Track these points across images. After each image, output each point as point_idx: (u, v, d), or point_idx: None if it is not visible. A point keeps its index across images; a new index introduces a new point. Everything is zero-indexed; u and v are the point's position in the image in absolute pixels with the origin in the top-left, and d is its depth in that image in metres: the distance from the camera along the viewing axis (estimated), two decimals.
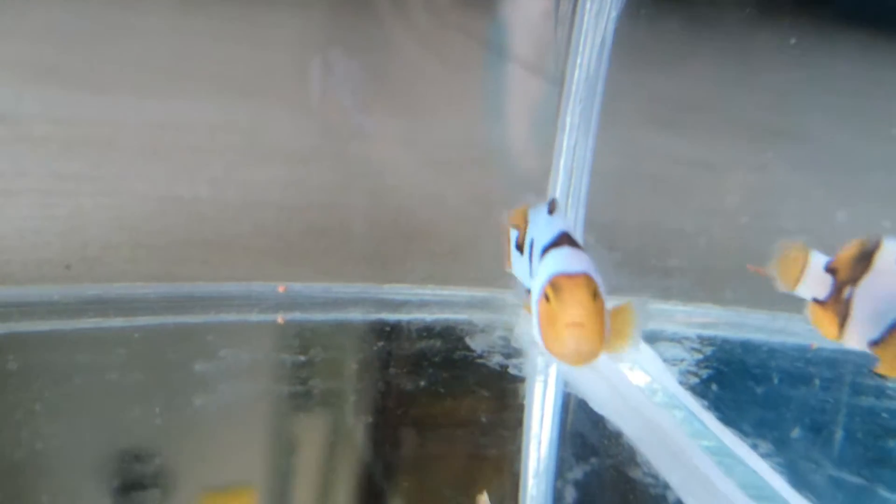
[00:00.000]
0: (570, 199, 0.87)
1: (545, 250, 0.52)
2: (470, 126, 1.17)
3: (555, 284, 0.47)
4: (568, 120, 0.85)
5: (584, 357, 0.48)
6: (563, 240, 0.52)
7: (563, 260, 0.49)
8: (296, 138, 1.19)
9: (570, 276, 0.47)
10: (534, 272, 0.53)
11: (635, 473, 0.62)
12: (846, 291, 0.54)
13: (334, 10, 1.15)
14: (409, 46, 1.10)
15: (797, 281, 0.60)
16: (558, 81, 0.90)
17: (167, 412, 0.65)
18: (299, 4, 1.13)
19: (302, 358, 0.75)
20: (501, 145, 1.12)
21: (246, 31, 1.18)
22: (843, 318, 0.55)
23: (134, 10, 1.14)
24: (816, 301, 0.58)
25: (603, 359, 0.73)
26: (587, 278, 0.47)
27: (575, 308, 0.46)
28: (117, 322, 0.78)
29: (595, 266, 0.50)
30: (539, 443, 0.69)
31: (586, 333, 0.46)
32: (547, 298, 0.47)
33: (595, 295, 0.47)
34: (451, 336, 0.81)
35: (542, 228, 0.56)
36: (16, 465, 0.58)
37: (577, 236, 0.69)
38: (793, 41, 0.85)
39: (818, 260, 0.58)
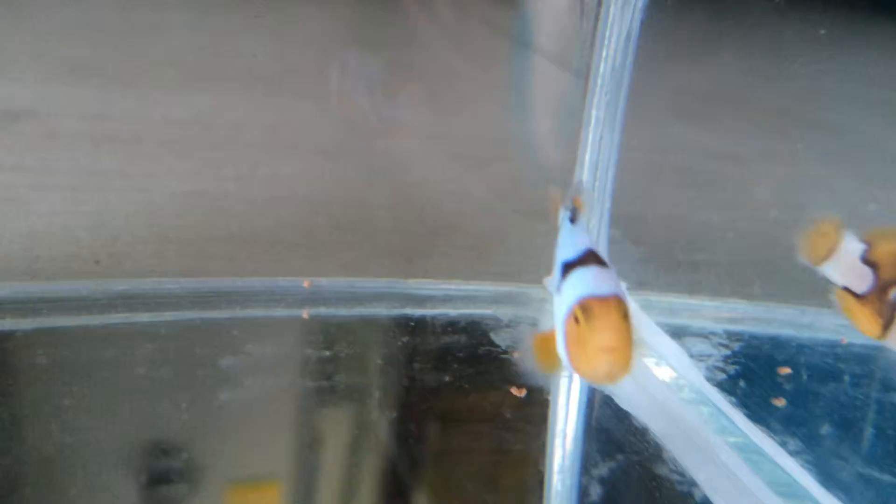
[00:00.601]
0: (595, 193, 0.86)
1: (568, 266, 0.52)
2: (495, 120, 1.17)
3: (585, 308, 0.47)
4: (594, 113, 0.85)
5: (614, 379, 0.48)
6: (590, 258, 0.51)
7: (592, 281, 0.49)
8: (321, 134, 1.20)
9: (601, 299, 0.47)
10: (555, 284, 0.53)
11: (661, 470, 0.61)
12: (892, 293, 0.53)
13: (359, 4, 1.16)
14: (433, 40, 1.09)
15: (824, 258, 0.58)
16: (584, 74, 0.90)
17: (194, 407, 0.65)
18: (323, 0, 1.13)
19: (327, 353, 0.75)
20: (526, 139, 1.12)
21: (270, 27, 1.19)
22: (888, 321, 0.54)
23: (159, 6, 1.14)
24: (850, 291, 0.57)
25: None
26: (618, 301, 0.47)
27: (608, 333, 0.46)
28: (145, 317, 0.79)
29: (619, 283, 0.50)
30: (564, 438, 0.69)
31: (618, 358, 0.46)
32: (576, 320, 0.47)
33: (626, 318, 0.47)
34: (475, 331, 0.81)
35: (565, 240, 0.55)
36: (46, 459, 0.58)
37: (602, 244, 0.70)
38: (822, 31, 0.84)
39: (853, 245, 0.57)
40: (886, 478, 0.61)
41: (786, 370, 0.75)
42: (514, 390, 0.71)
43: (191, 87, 1.20)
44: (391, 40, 1.11)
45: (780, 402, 0.71)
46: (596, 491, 0.59)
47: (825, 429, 0.68)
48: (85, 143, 1.14)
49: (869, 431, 0.67)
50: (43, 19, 1.16)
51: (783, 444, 0.63)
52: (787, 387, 0.73)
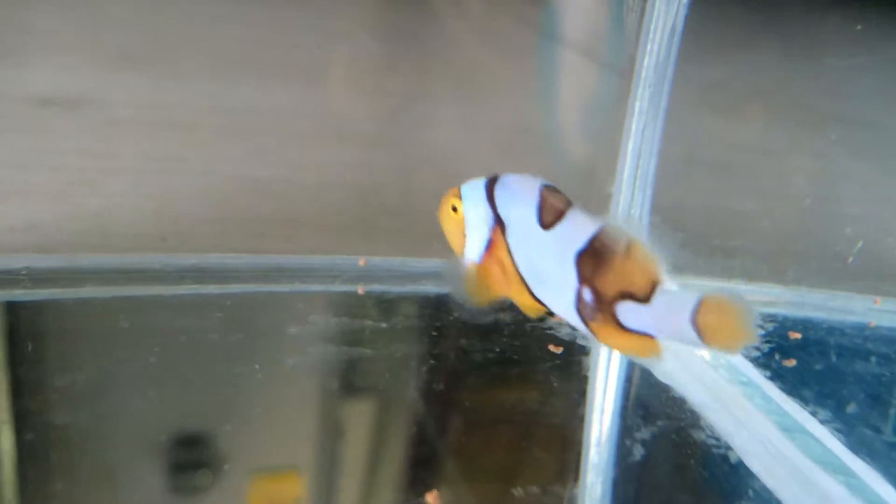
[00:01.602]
0: (637, 182, 0.90)
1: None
2: (526, 111, 1.21)
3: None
4: (637, 105, 0.89)
5: None
6: None
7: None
8: (361, 123, 1.24)
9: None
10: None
11: (699, 436, 0.66)
12: None
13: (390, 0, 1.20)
14: (463, 33, 1.13)
15: None
16: (616, 66, 0.94)
17: (264, 369, 0.71)
18: None
19: (383, 325, 0.80)
20: (553, 130, 1.16)
21: (307, 21, 1.23)
22: None
23: (201, 1, 1.19)
24: None
25: None
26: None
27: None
28: (213, 289, 0.84)
29: None
30: (602, 411, 0.73)
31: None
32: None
33: None
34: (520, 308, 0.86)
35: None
36: (140, 408, 0.64)
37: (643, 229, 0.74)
38: (859, 27, 0.87)
39: None
40: None
41: (796, 335, 0.80)
42: (551, 347, 0.76)
43: (233, 78, 1.25)
44: (420, 33, 1.15)
45: (790, 363, 0.76)
46: (639, 451, 0.64)
47: (852, 401, 0.72)
48: (143, 130, 1.20)
49: (894, 404, 0.71)
50: (99, 11, 1.21)
51: (814, 414, 0.67)
52: (818, 365, 0.78)
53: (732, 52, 1.02)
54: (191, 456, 0.61)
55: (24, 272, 0.80)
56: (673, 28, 0.85)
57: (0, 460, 0.58)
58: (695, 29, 0.88)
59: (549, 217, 0.58)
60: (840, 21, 0.90)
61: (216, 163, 1.17)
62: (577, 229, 0.56)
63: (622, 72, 0.92)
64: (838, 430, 0.65)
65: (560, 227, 0.57)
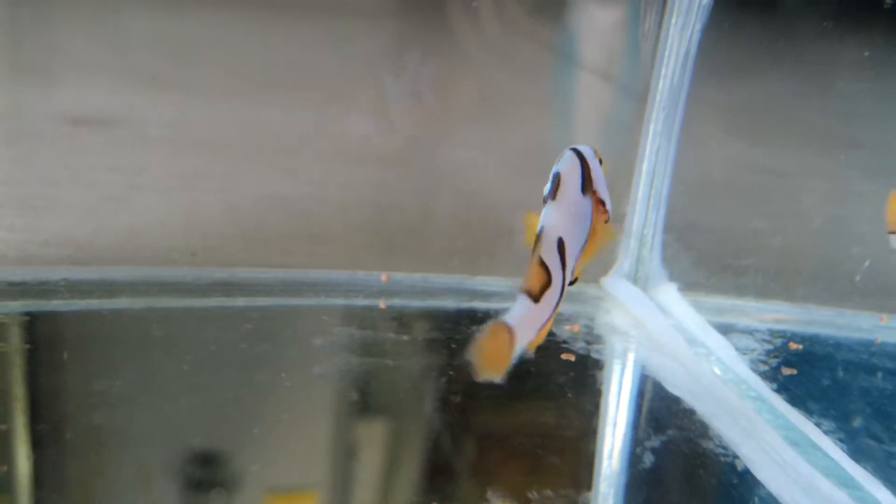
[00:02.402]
0: (651, 202, 0.93)
1: None
2: (543, 133, 1.24)
3: None
4: (651, 127, 0.92)
5: None
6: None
7: None
8: (382, 142, 1.27)
9: None
10: None
11: (707, 445, 0.68)
12: None
13: (409, 21, 1.23)
14: (480, 55, 1.16)
15: None
16: (632, 89, 0.97)
17: (291, 377, 0.74)
18: (374, 16, 1.20)
19: (405, 337, 0.83)
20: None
21: (327, 41, 1.27)
22: None
23: (225, 21, 1.23)
24: None
25: (680, 344, 0.80)
26: None
27: None
28: (240, 301, 0.88)
29: None
30: (615, 423, 0.76)
31: None
32: None
33: None
34: None
35: None
36: (175, 412, 0.68)
37: (656, 249, 0.75)
38: (867, 53, 0.89)
39: None
40: None
41: (797, 346, 0.83)
42: (563, 356, 0.79)
43: (257, 98, 1.29)
44: (439, 54, 1.18)
45: (790, 371, 0.78)
46: (648, 459, 0.67)
47: (856, 413, 0.74)
48: (170, 148, 1.23)
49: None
50: (126, 32, 1.25)
51: (818, 425, 0.69)
52: (825, 379, 0.80)
53: (746, 75, 1.04)
54: (211, 471, 0.64)
55: (62, 284, 0.84)
56: (687, 53, 0.88)
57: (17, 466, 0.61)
58: (709, 52, 0.91)
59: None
60: (848, 48, 0.92)
61: (241, 181, 1.20)
62: None
63: (637, 94, 0.95)
64: (842, 441, 0.67)
65: None
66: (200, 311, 0.86)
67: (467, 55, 1.17)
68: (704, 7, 0.86)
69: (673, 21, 0.87)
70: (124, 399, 0.68)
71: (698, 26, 0.87)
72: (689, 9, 0.86)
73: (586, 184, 0.58)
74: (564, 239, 0.56)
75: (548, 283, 0.55)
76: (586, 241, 0.58)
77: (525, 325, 0.53)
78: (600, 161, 0.60)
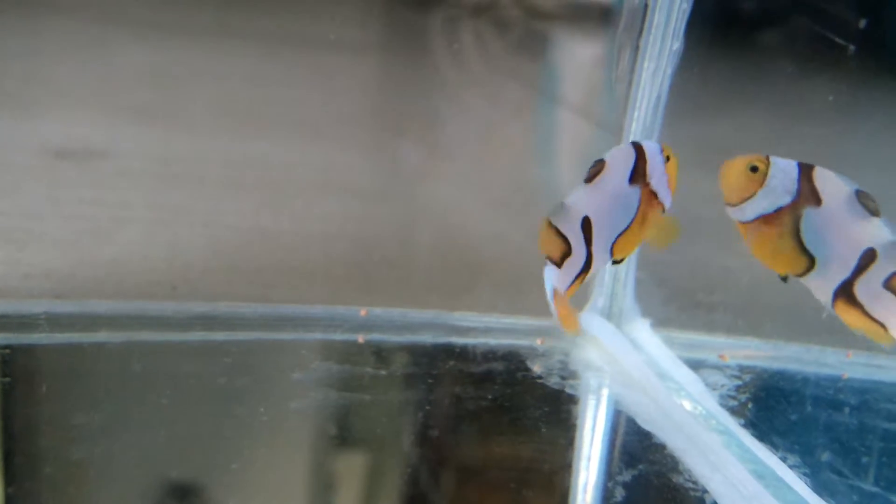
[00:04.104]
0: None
1: None
2: (523, 169, 1.26)
3: None
4: None
5: None
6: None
7: None
8: (365, 177, 1.29)
9: None
10: None
11: (677, 479, 0.70)
12: None
13: (392, 56, 1.26)
14: (463, 91, 1.19)
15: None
16: (610, 127, 0.99)
17: (269, 412, 0.75)
18: (359, 52, 1.23)
19: (383, 372, 0.85)
20: (551, 188, 1.21)
21: (315, 80, 1.29)
22: None
23: (213, 55, 1.25)
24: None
25: (652, 379, 0.82)
26: None
27: None
28: (220, 336, 0.89)
29: None
30: (589, 458, 0.77)
31: None
32: None
33: None
34: (513, 359, 0.90)
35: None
36: (153, 447, 0.69)
37: (629, 285, 0.75)
38: (830, 98, 0.93)
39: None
40: (872, 488, 0.69)
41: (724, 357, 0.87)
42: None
43: (242, 132, 1.31)
44: (421, 91, 1.20)
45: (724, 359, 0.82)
46: (620, 494, 0.68)
47: (821, 447, 0.76)
48: (153, 182, 1.24)
49: (860, 449, 0.76)
50: (112, 67, 1.27)
51: (784, 460, 0.71)
52: (792, 413, 0.82)
53: (717, 115, 1.07)
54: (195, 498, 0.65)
55: (42, 317, 0.85)
56: (658, 97, 0.91)
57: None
58: (684, 89, 0.93)
59: None
60: (815, 91, 0.96)
61: (223, 214, 1.22)
62: None
63: (615, 130, 0.97)
64: (806, 476, 0.69)
65: None
66: (180, 345, 0.87)
67: (451, 92, 1.20)
68: (675, 53, 0.89)
69: (645, 66, 0.90)
70: (103, 433, 0.69)
71: (669, 71, 0.90)
72: (660, 54, 0.89)
73: (638, 175, 0.56)
74: (592, 218, 0.55)
75: (568, 252, 0.54)
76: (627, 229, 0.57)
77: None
78: (667, 158, 0.58)
